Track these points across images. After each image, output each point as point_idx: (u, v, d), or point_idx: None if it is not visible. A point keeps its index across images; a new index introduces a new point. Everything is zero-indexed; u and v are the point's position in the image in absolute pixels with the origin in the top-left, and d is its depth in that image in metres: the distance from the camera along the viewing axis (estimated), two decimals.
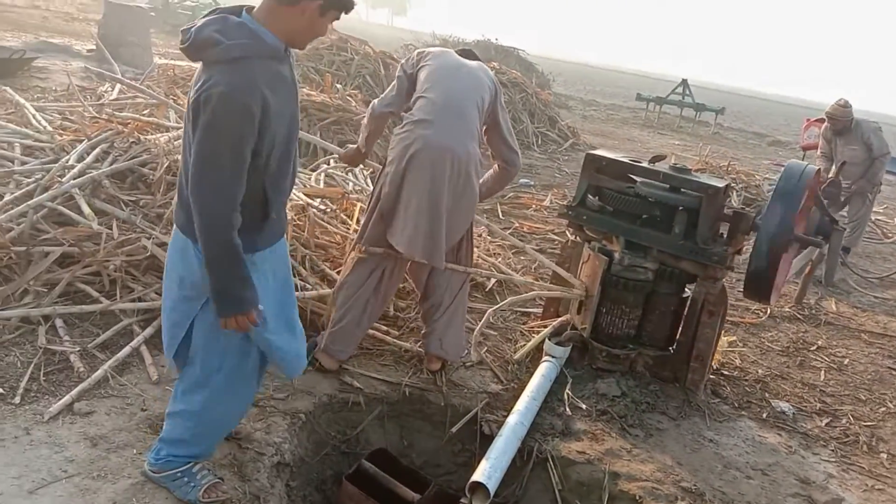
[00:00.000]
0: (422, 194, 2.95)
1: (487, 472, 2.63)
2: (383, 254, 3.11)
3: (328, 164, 5.70)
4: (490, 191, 3.49)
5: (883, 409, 3.82)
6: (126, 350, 2.93)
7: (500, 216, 6.31)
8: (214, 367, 2.17)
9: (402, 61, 3.28)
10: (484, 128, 3.21)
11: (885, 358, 4.56)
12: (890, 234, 8.86)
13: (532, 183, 8.12)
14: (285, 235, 2.30)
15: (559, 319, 3.77)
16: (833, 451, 3.29)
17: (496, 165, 3.40)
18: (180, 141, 4.08)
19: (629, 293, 3.50)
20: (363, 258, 3.14)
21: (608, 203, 3.59)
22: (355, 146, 3.44)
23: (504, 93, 11.41)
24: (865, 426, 3.57)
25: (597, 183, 3.62)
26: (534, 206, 6.88)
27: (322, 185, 4.91)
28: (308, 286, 3.48)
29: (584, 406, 3.26)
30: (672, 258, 3.47)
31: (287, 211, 3.68)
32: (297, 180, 4.25)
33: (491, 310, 3.50)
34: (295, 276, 3.53)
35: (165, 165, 3.62)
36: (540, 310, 4.04)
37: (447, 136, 2.97)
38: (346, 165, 5.71)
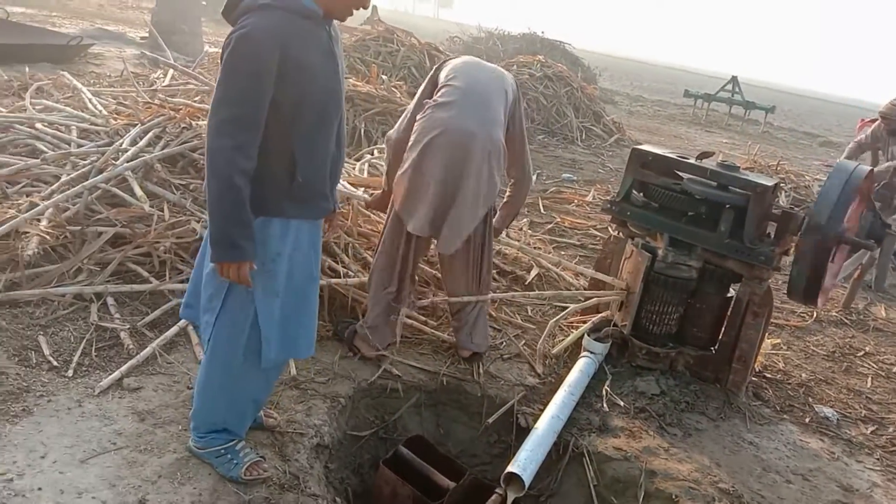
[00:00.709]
0: (439, 178, 2.90)
1: (523, 463, 2.64)
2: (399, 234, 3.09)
3: (372, 154, 5.74)
4: (508, 214, 3.47)
5: None
6: (174, 329, 3.02)
7: (542, 210, 6.28)
8: (225, 339, 2.17)
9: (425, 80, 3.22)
10: (506, 129, 3.14)
11: None
12: None
13: (575, 178, 8.05)
14: (324, 222, 2.32)
15: (599, 315, 3.74)
16: (878, 459, 3.21)
17: (509, 188, 3.41)
18: None
19: (672, 291, 3.46)
20: (386, 247, 3.15)
21: (653, 199, 3.55)
22: (379, 192, 3.42)
23: (549, 86, 11.44)
24: None
25: (642, 178, 3.58)
26: (576, 201, 6.83)
27: (366, 175, 4.96)
28: (350, 273, 3.53)
29: (622, 403, 3.24)
30: (717, 257, 3.42)
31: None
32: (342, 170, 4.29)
33: (551, 322, 3.50)
34: (338, 263, 3.58)
35: None
36: (580, 304, 4.01)
37: (469, 119, 2.91)
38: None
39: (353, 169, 5.05)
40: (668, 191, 3.47)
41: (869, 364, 4.29)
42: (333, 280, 3.40)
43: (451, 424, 3.19)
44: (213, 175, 1.91)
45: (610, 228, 5.71)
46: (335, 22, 2.14)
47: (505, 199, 3.47)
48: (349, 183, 4.30)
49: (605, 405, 3.20)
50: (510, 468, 2.61)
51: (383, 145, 6.19)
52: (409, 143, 2.99)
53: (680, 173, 3.52)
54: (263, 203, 2.03)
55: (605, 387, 3.31)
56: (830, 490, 2.89)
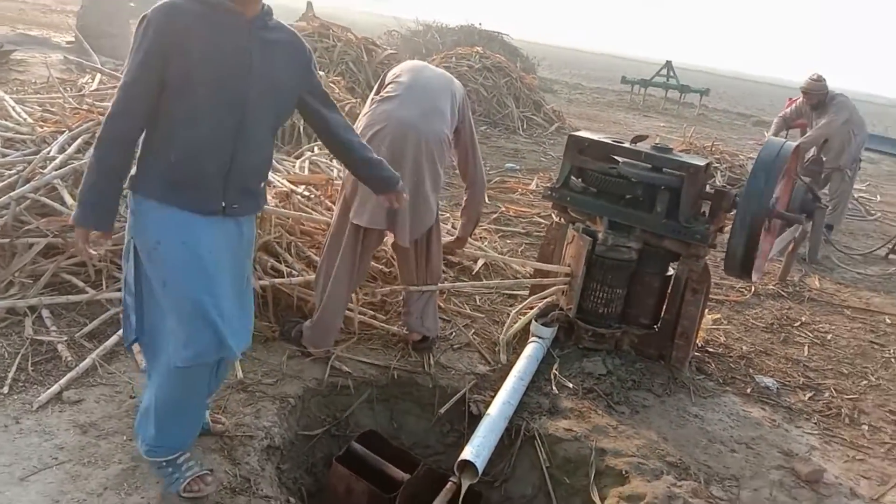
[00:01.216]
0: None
1: (475, 450, 2.66)
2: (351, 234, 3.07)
3: (312, 151, 5.68)
4: (469, 221, 3.56)
5: (865, 382, 3.88)
6: (113, 339, 2.93)
7: (487, 200, 6.31)
8: (159, 347, 2.15)
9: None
10: (454, 134, 3.19)
11: (868, 332, 4.64)
12: (873, 211, 8.96)
13: (518, 167, 8.13)
14: (240, 222, 2.16)
15: (545, 300, 3.79)
16: (816, 423, 3.35)
17: (465, 193, 3.47)
18: None
19: (613, 273, 3.53)
20: (334, 243, 3.13)
21: (591, 184, 3.62)
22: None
23: (488, 77, 11.50)
24: (848, 399, 3.64)
25: (580, 164, 3.64)
26: (520, 189, 6.90)
27: (306, 172, 4.90)
28: (294, 272, 3.49)
29: (570, 385, 3.30)
30: (655, 237, 3.50)
31: (271, 197, 3.73)
32: (280, 166, 4.22)
33: (513, 312, 3.53)
34: (281, 263, 3.54)
35: None
36: (526, 291, 4.06)
37: (411, 110, 2.95)
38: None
39: (294, 167, 4.99)
40: (606, 175, 3.54)
41: (805, 333, 4.47)
42: (277, 280, 3.36)
43: (404, 417, 3.20)
44: (98, 138, 1.99)
45: (553, 215, 5.80)
46: (284, 24, 2.14)
47: (463, 206, 3.53)
48: (289, 181, 4.25)
49: (554, 388, 3.25)
50: (463, 455, 2.63)
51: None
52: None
53: (616, 157, 3.59)
54: (141, 180, 2.04)
55: (554, 370, 3.36)
56: (772, 456, 3.00)
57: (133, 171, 2.06)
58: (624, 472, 2.78)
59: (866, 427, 3.39)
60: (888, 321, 4.87)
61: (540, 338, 3.53)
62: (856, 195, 8.84)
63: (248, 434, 2.59)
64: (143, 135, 2.03)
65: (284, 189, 3.91)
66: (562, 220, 3.83)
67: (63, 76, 7.90)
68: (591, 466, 2.84)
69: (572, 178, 3.67)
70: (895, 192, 11.26)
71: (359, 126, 3.05)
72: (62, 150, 3.84)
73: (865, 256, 6.63)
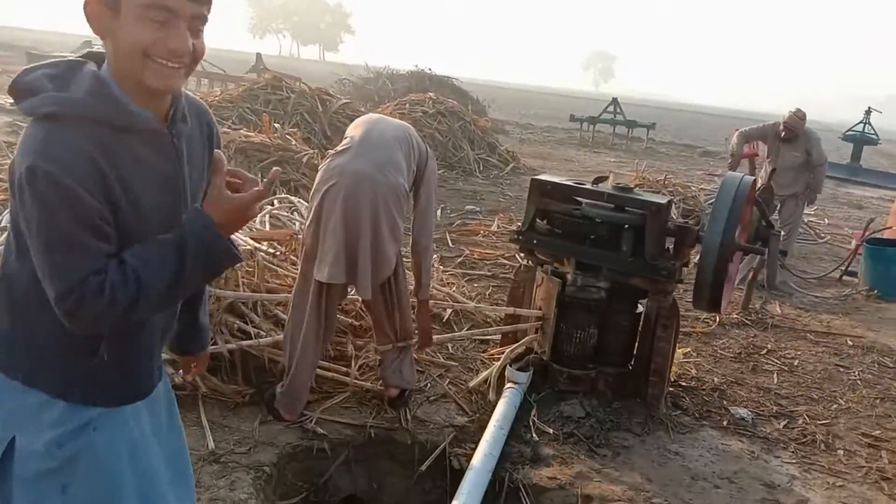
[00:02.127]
0: (341, 224, 2.85)
1: None
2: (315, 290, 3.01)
3: (272, 205, 5.62)
4: (418, 273, 3.27)
5: (835, 406, 3.94)
6: None
7: (450, 244, 6.32)
8: None
9: None
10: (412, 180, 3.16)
11: (832, 356, 4.72)
12: (823, 235, 9.25)
13: (478, 209, 8.18)
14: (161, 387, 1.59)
15: (518, 345, 3.77)
16: (793, 452, 3.37)
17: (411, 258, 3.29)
18: None
19: (584, 313, 3.54)
20: (298, 300, 3.07)
21: (556, 226, 3.64)
22: None
23: (442, 122, 11.64)
24: (821, 424, 3.67)
25: (544, 207, 3.67)
26: (482, 232, 6.93)
27: (268, 228, 4.83)
28: (262, 332, 3.40)
29: (550, 430, 3.26)
30: (622, 276, 3.53)
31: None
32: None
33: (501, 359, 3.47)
34: (248, 324, 3.45)
35: None
36: (499, 337, 4.04)
37: (363, 162, 2.90)
38: (290, 205, 5.68)
39: (255, 222, 4.92)
40: (570, 217, 3.57)
41: (773, 361, 4.53)
42: (245, 342, 3.27)
43: (384, 477, 3.11)
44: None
45: (518, 256, 5.82)
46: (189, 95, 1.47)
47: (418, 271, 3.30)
48: (251, 238, 4.18)
49: (534, 435, 3.21)
50: None
51: (283, 195, 6.11)
52: (311, 194, 3.01)
53: (579, 199, 3.63)
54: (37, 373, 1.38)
55: (533, 416, 3.32)
56: (755, 489, 2.99)
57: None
58: None
59: (842, 452, 3.43)
60: (850, 343, 4.98)
61: (516, 383, 3.49)
62: (805, 220, 9.12)
63: None
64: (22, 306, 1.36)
65: (248, 247, 3.83)
66: (530, 262, 3.84)
67: (10, 139, 7.71)
68: None
69: (537, 220, 3.69)
70: (841, 214, 11.66)
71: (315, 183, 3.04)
72: None
73: (821, 279, 6.81)
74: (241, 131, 7.45)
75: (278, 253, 4.03)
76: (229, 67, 20.88)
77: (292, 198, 5.91)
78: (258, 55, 20.65)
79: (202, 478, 2.62)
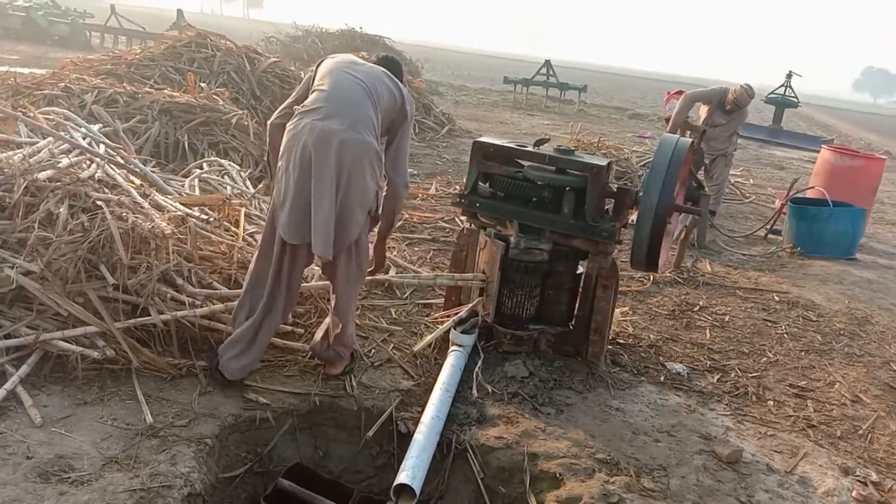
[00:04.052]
0: (306, 181, 2.82)
1: (411, 472, 2.59)
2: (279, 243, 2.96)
3: (201, 168, 5.39)
4: (387, 214, 3.29)
5: (764, 359, 4.11)
6: (0, 393, 2.63)
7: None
8: None
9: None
10: (385, 136, 3.11)
11: (760, 311, 4.92)
12: (748, 195, 9.58)
13: (415, 172, 8.09)
14: None
15: (465, 307, 3.77)
16: (727, 404, 3.51)
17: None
18: (38, 157, 3.72)
19: (527, 275, 3.55)
20: (262, 252, 3.03)
21: (499, 189, 3.62)
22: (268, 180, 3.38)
23: None
24: (752, 377, 3.83)
25: (486, 170, 3.64)
26: (420, 195, 6.86)
27: (198, 192, 4.64)
28: (197, 302, 3.27)
29: (495, 391, 3.28)
30: (564, 237, 3.56)
31: (165, 223, 3.48)
32: (170, 187, 3.81)
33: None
34: (181, 293, 3.31)
35: (24, 186, 3.26)
36: (442, 300, 4.02)
37: (335, 121, 2.84)
38: (221, 168, 5.47)
39: (184, 186, 4.71)
40: (512, 179, 3.55)
41: (705, 317, 4.68)
42: (179, 313, 3.14)
43: (330, 444, 3.06)
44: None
45: (458, 219, 5.80)
46: None
47: (385, 205, 3.28)
48: (182, 203, 4.00)
49: (479, 396, 3.22)
50: (400, 479, 2.55)
51: (213, 158, 5.87)
52: (280, 152, 2.93)
53: (521, 161, 3.62)
54: None
55: (478, 377, 3.33)
56: (693, 441, 3.10)
57: None
58: (558, 475, 2.78)
59: (772, 402, 3.59)
60: (776, 298, 5.19)
61: (460, 346, 3.49)
62: (731, 180, 9.41)
63: (165, 484, 2.38)
64: None
65: (179, 213, 3.66)
66: (472, 225, 3.81)
67: None
68: (525, 473, 2.83)
69: (480, 183, 3.66)
70: (764, 175, 12.11)
71: (281, 111, 3.07)
72: None
73: (747, 238, 7.07)
74: (165, 91, 7.09)
75: (211, 219, 3.87)
76: (149, 24, 19.87)
77: (223, 161, 5.70)
78: (179, 11, 19.64)
79: (141, 453, 2.52)
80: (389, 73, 3.19)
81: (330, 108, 2.88)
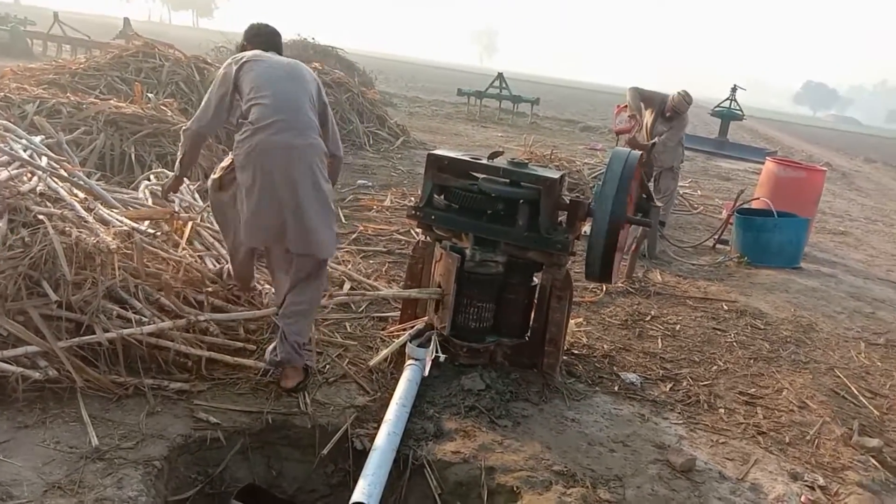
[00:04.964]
0: (273, 193, 3.08)
1: (367, 489, 2.54)
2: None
3: (149, 181, 5.25)
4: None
5: (715, 367, 4.20)
6: None
7: (343, 220, 6.18)
8: None
9: (220, 75, 3.27)
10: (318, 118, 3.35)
11: (710, 320, 5.03)
12: (696, 206, 9.81)
13: (370, 183, 8.05)
14: None
15: (419, 321, 3.75)
16: (680, 413, 3.56)
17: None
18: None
19: (483, 287, 3.56)
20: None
21: (454, 201, 3.62)
22: (172, 176, 3.62)
23: (329, 93, 11.30)
24: (703, 385, 3.90)
25: (441, 182, 3.63)
26: (375, 207, 6.82)
27: (150, 203, 4.51)
28: (144, 319, 3.17)
29: (452, 404, 3.27)
30: (519, 249, 3.57)
31: (110, 238, 3.37)
32: (117, 202, 3.80)
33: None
34: (128, 310, 3.20)
35: None
36: (398, 314, 3.99)
37: (289, 134, 3.10)
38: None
39: (136, 198, 4.58)
40: (467, 192, 3.56)
41: (657, 326, 4.76)
42: (125, 330, 3.03)
43: (284, 463, 3.00)
44: None
45: (414, 231, 5.77)
46: None
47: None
48: (127, 217, 3.88)
49: (436, 410, 3.20)
50: (356, 497, 2.50)
51: (160, 170, 5.72)
52: (238, 166, 3.17)
53: (475, 174, 3.62)
54: None
55: (434, 391, 3.31)
56: (648, 451, 3.14)
57: None
58: (515, 488, 2.78)
59: (723, 410, 3.66)
60: (725, 307, 5.32)
61: (416, 360, 3.47)
62: (680, 191, 9.62)
63: None
64: None
65: (125, 228, 3.55)
66: (428, 238, 3.80)
67: None
68: (482, 487, 2.82)
69: (435, 196, 3.65)
70: (711, 186, 12.43)
71: (205, 116, 3.25)
72: None
73: (696, 248, 7.23)
74: (111, 101, 6.90)
75: (158, 234, 3.76)
76: (94, 33, 19.38)
77: (170, 173, 5.56)
78: (126, 20, 19.21)
79: (85, 477, 2.42)
80: (291, 58, 3.47)
81: (279, 120, 3.10)
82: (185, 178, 3.73)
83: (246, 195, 3.12)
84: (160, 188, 3.95)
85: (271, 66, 3.27)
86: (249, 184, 3.09)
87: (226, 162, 3.40)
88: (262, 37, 3.52)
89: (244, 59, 3.24)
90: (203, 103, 3.31)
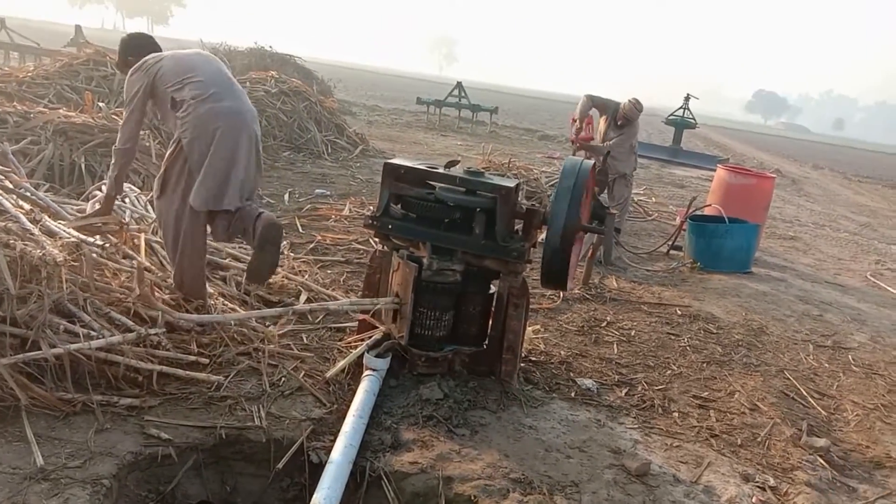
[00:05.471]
0: (236, 158, 3.48)
1: (323, 503, 2.52)
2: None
3: (101, 191, 5.13)
4: None
5: (669, 371, 4.27)
6: None
7: (301, 230, 6.13)
8: None
9: (136, 85, 3.52)
10: None
11: (664, 325, 5.12)
12: (650, 212, 9.99)
13: (328, 192, 8.00)
14: None
15: (377, 331, 3.73)
16: (635, 417, 3.61)
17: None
18: None
19: (441, 296, 3.56)
20: (192, 240, 3.63)
21: (411, 210, 3.62)
22: (103, 197, 3.89)
23: (286, 102, 11.27)
24: (658, 390, 3.97)
25: (398, 191, 3.63)
26: (333, 216, 6.78)
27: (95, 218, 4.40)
28: (94, 333, 3.09)
29: (410, 414, 3.26)
30: (476, 258, 3.59)
31: (57, 250, 3.29)
32: (66, 212, 3.77)
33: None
34: (76, 324, 3.12)
35: None
36: (356, 324, 3.97)
37: (231, 101, 3.52)
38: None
39: (85, 210, 4.47)
40: (424, 201, 3.56)
41: (613, 332, 4.82)
42: (73, 346, 2.95)
43: (238, 478, 2.95)
44: None
45: (371, 241, 5.75)
46: None
47: None
48: (77, 228, 3.79)
49: (393, 421, 3.19)
50: None
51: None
52: (188, 141, 3.42)
53: (432, 183, 3.63)
54: None
55: (391, 401, 3.29)
56: (603, 456, 3.17)
57: None
58: (472, 497, 2.78)
59: (677, 414, 3.72)
60: (679, 312, 5.42)
61: (374, 370, 3.45)
62: (634, 199, 9.79)
63: None
64: None
65: (73, 240, 3.46)
66: (385, 247, 3.80)
67: None
68: (440, 497, 2.81)
69: (391, 205, 3.65)
70: (665, 193, 12.67)
71: (130, 135, 3.57)
72: None
73: (650, 254, 7.35)
74: (61, 111, 6.74)
75: (107, 245, 3.68)
76: (45, 40, 18.88)
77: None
78: (77, 27, 18.76)
79: (29, 499, 2.34)
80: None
81: (218, 91, 3.47)
82: (115, 200, 4.01)
83: (208, 164, 3.41)
84: (91, 216, 4.05)
85: (182, 57, 3.60)
86: (206, 151, 3.40)
87: (168, 155, 3.63)
88: (147, 46, 3.73)
89: (154, 62, 3.51)
90: (127, 116, 3.54)
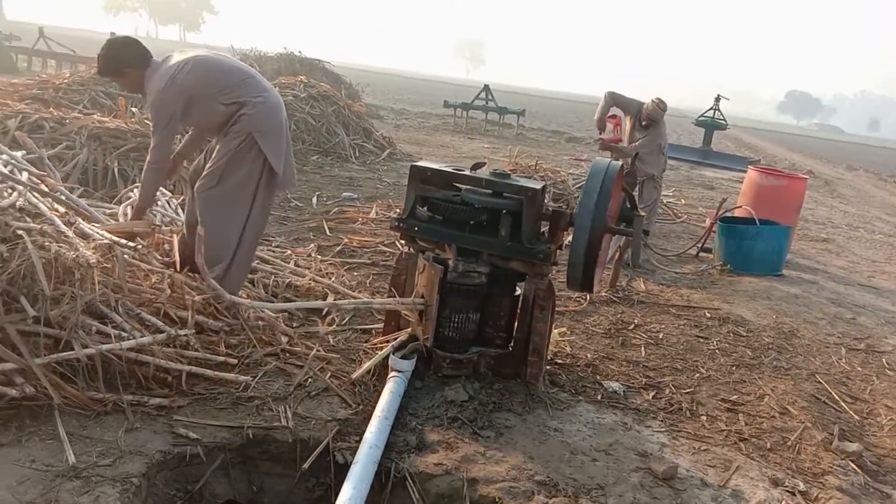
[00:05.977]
0: (286, 139, 3.96)
1: None
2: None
3: (132, 195, 5.23)
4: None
5: (697, 374, 4.21)
6: None
7: (328, 233, 6.18)
8: None
9: (170, 112, 3.68)
10: None
11: (692, 328, 5.05)
12: (680, 214, 9.89)
13: (356, 196, 8.06)
14: None
15: (402, 332, 3.75)
16: (662, 421, 3.57)
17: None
18: None
19: (466, 298, 3.56)
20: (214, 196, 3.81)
21: (437, 212, 3.63)
22: (139, 209, 4.02)
23: (315, 106, 11.39)
24: (685, 393, 3.92)
25: (424, 194, 3.64)
26: (360, 219, 6.83)
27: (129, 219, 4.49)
28: (125, 334, 3.15)
29: (435, 416, 3.26)
30: (501, 260, 3.58)
31: (90, 252, 3.36)
32: (99, 215, 3.85)
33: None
34: (107, 325, 3.19)
35: None
36: (381, 326, 3.99)
37: (270, 91, 3.98)
38: None
39: (117, 214, 4.57)
40: (450, 203, 3.57)
41: (640, 335, 4.78)
42: (105, 346, 3.01)
43: (265, 478, 2.98)
44: None
45: (398, 243, 5.78)
46: None
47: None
48: (109, 231, 3.86)
49: (418, 422, 3.20)
50: None
51: None
52: (261, 130, 3.77)
53: (458, 185, 3.64)
54: None
55: (417, 403, 3.30)
56: (630, 459, 3.14)
57: None
58: (497, 499, 2.77)
59: (705, 417, 3.67)
60: (708, 315, 5.35)
61: (400, 371, 3.46)
62: (663, 200, 9.70)
63: None
64: None
65: (106, 242, 3.53)
66: (411, 249, 3.81)
67: None
68: (464, 499, 2.81)
69: (418, 207, 3.67)
70: (695, 195, 12.53)
71: (168, 149, 3.84)
72: None
73: (679, 256, 7.27)
74: (95, 116, 6.89)
75: (139, 247, 3.75)
76: (80, 48, 19.34)
77: None
78: (112, 34, 19.18)
79: (61, 496, 2.39)
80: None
81: (261, 86, 3.90)
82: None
83: (271, 148, 3.80)
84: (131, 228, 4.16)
85: (212, 60, 3.84)
86: (275, 134, 3.84)
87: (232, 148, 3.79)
88: (145, 53, 3.80)
89: (183, 75, 3.65)
90: (163, 137, 3.70)
